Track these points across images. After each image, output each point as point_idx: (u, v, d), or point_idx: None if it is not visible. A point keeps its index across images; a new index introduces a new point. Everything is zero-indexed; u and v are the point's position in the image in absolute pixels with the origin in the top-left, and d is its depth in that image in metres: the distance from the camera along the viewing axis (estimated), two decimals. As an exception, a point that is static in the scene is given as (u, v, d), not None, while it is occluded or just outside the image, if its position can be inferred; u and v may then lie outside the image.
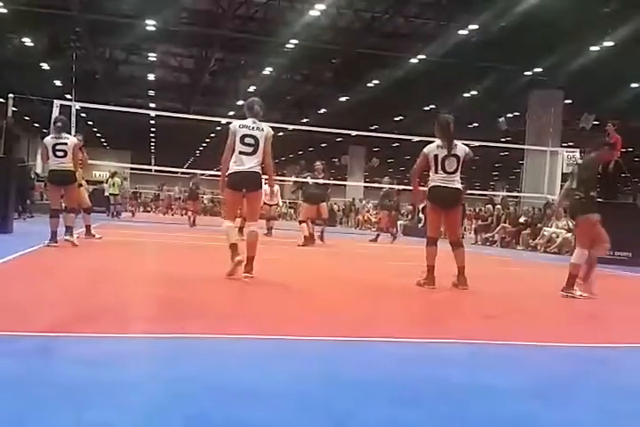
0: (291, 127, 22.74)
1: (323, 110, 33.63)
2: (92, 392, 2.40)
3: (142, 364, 2.98)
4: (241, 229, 12.53)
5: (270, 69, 27.74)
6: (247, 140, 6.16)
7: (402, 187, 19.01)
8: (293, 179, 16.18)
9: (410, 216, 25.18)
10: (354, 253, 12.22)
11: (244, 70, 29.35)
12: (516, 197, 25.86)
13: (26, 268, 6.37)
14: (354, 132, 20.28)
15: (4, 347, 3.05)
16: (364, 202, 33.79)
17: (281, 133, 37.12)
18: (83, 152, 10.00)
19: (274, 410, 2.34)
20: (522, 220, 18.20)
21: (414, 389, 2.78)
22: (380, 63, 25.08)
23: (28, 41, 24.84)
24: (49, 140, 8.87)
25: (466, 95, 27.76)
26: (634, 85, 24.53)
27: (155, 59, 28.16)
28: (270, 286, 6.15)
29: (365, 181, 41.84)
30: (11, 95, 11.59)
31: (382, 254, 12.65)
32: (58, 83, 30.53)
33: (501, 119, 24.96)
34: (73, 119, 13.14)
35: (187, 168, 35.17)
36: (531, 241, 16.90)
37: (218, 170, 6.42)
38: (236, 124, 6.29)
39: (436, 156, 6.41)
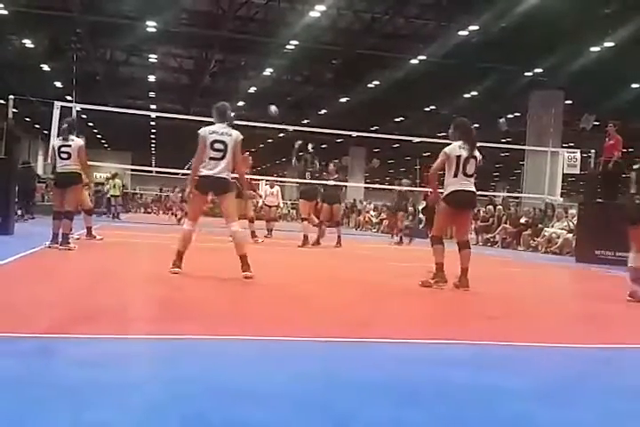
0: (291, 128, 22.72)
1: (323, 111, 33.64)
2: (91, 393, 2.40)
3: (141, 365, 2.98)
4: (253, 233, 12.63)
5: (270, 70, 27.74)
6: (216, 145, 6.29)
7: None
8: (295, 180, 16.21)
9: (411, 217, 25.15)
10: (354, 254, 12.21)
11: (245, 71, 29.37)
12: (517, 197, 25.85)
13: (26, 269, 6.37)
14: (354, 133, 20.26)
15: (5, 348, 3.04)
16: (364, 203, 33.78)
17: (281, 134, 37.27)
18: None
19: (273, 411, 2.33)
20: (522, 220, 18.18)
21: (416, 390, 2.77)
22: (381, 64, 25.08)
23: (28, 42, 24.85)
24: (56, 142, 8.91)
25: (466, 96, 27.75)
26: (634, 86, 24.53)
27: (155, 60, 28.17)
28: (270, 287, 6.14)
29: (366, 182, 41.88)
30: (11, 97, 11.59)
31: (383, 256, 12.64)
32: (58, 84, 30.55)
33: (502, 120, 24.87)
34: (73, 120, 13.12)
35: (187, 169, 35.16)
36: (532, 242, 16.88)
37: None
38: (205, 130, 6.40)
39: (458, 157, 6.41)
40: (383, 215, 27.45)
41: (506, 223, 18.73)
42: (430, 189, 6.81)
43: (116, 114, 21.16)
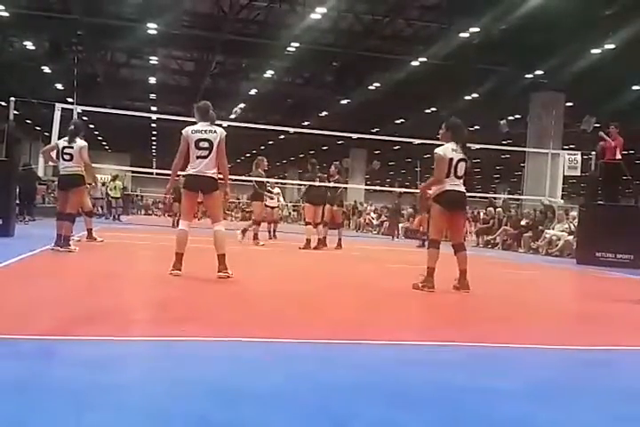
0: (292, 130, 22.71)
1: (324, 113, 33.65)
2: (92, 395, 2.40)
3: (142, 366, 2.98)
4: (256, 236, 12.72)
5: (271, 72, 27.77)
6: (202, 144, 6.34)
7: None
8: (297, 182, 16.23)
9: (411, 219, 25.16)
10: (354, 256, 12.21)
11: (245, 73, 29.38)
12: (518, 199, 25.84)
13: (27, 271, 6.37)
14: (355, 135, 20.25)
15: (6, 349, 3.04)
16: (365, 205, 33.78)
17: (282, 136, 37.31)
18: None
19: (272, 412, 2.33)
20: (523, 222, 18.19)
21: (413, 391, 2.77)
22: (381, 66, 25.10)
23: (29, 44, 24.88)
24: (60, 142, 8.91)
25: (467, 98, 27.76)
26: (635, 88, 24.53)
27: (156, 62, 28.18)
28: (269, 288, 6.14)
29: (366, 184, 41.88)
30: (12, 98, 11.60)
31: (383, 257, 12.64)
32: (59, 86, 30.57)
33: (502, 122, 24.88)
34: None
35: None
36: (532, 244, 16.89)
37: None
38: (188, 129, 6.43)
39: (451, 159, 6.37)
40: (384, 217, 27.49)
41: (506, 225, 18.74)
42: (429, 191, 6.69)
43: (117, 116, 21.16)
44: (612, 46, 19.58)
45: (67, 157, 8.68)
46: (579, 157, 15.20)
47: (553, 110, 23.53)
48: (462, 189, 6.47)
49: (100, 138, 46.20)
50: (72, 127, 9.01)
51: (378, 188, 42.46)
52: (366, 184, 43.53)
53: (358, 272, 8.91)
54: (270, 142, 42.42)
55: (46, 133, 26.10)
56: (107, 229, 14.77)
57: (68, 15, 20.83)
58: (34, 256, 7.65)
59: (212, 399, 2.45)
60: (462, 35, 20.64)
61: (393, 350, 3.62)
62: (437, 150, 6.45)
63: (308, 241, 12.27)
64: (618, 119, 14.42)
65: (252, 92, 30.72)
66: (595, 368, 3.54)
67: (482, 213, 21.99)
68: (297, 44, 22.67)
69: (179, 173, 6.93)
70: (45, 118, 20.58)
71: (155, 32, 22.13)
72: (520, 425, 2.42)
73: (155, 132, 44.01)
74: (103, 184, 26.04)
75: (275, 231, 16.12)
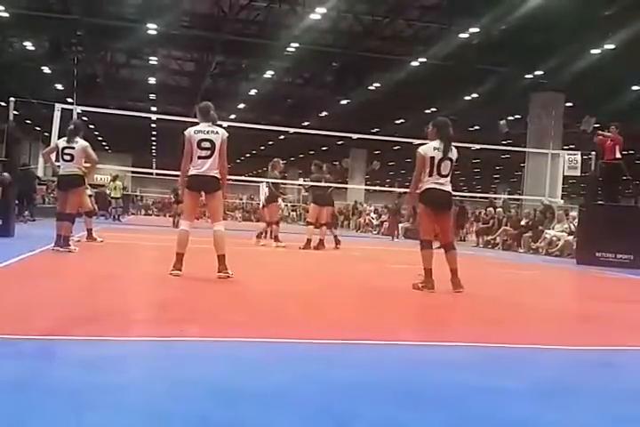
0: (292, 130, 22.70)
1: (324, 113, 33.67)
2: (92, 395, 2.39)
3: (142, 367, 2.98)
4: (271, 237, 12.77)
5: (271, 73, 27.78)
6: (204, 144, 6.36)
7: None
8: (298, 182, 16.25)
9: (411, 220, 25.16)
10: (354, 257, 12.21)
11: (245, 74, 29.39)
12: (518, 199, 25.85)
13: (27, 271, 6.37)
14: (355, 135, 20.27)
15: (6, 350, 3.04)
16: (365, 205, 33.78)
17: (282, 137, 37.31)
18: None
19: (274, 412, 2.33)
20: (523, 222, 18.19)
21: (417, 392, 2.76)
22: (381, 66, 25.10)
23: (29, 44, 24.90)
24: (60, 142, 8.90)
25: (467, 98, 27.77)
26: (635, 88, 24.54)
27: (156, 62, 28.20)
28: (270, 288, 6.14)
29: (366, 184, 41.88)
30: (12, 99, 11.60)
31: (383, 257, 12.64)
32: (59, 86, 30.59)
33: (502, 122, 24.92)
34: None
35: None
36: (532, 244, 16.89)
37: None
38: (190, 130, 6.46)
39: (432, 158, 6.30)
40: (384, 217, 27.48)
41: (506, 225, 18.74)
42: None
43: (117, 116, 21.16)
44: (612, 46, 19.59)
45: (67, 157, 8.67)
46: (578, 158, 15.20)
47: (553, 110, 23.54)
48: (448, 188, 6.39)
49: (99, 138, 46.18)
50: (71, 127, 9.02)
51: (378, 188, 42.43)
52: (366, 184, 43.53)
53: (359, 272, 8.90)
54: (270, 143, 42.43)
55: (46, 134, 26.09)
56: (107, 229, 14.76)
57: (67, 15, 20.83)
58: (34, 256, 7.65)
59: (212, 400, 2.44)
60: (462, 35, 20.65)
61: (395, 350, 3.62)
62: (419, 149, 6.40)
63: (309, 241, 12.27)
64: (617, 119, 14.42)
65: (252, 92, 30.73)
66: (597, 368, 3.54)
67: (482, 214, 21.96)
68: (297, 45, 22.68)
69: (176, 173, 6.93)
70: (45, 119, 20.59)
71: (154, 32, 22.14)
72: (523, 425, 2.41)
73: (154, 133, 44.01)
74: (96, 186, 25.99)
75: (267, 232, 16.24)
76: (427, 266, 6.32)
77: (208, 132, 6.41)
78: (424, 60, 22.99)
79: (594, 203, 13.26)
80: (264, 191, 16.74)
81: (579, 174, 15.46)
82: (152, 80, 30.93)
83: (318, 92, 31.06)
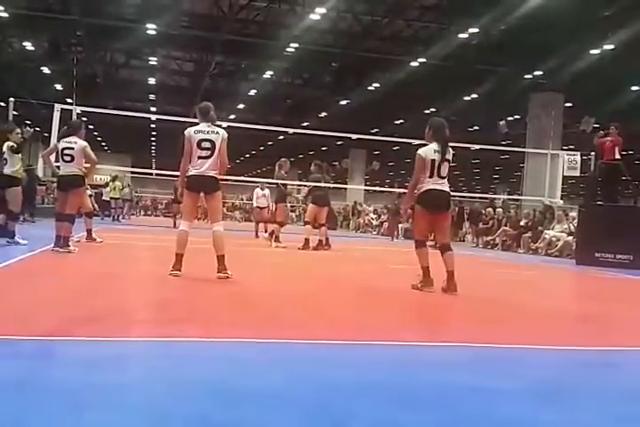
0: (291, 131, 22.73)
1: (323, 114, 33.68)
2: (92, 395, 2.40)
3: (141, 367, 2.98)
4: (272, 236, 12.75)
5: (271, 73, 27.79)
6: (204, 144, 6.36)
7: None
8: (297, 183, 16.30)
9: (410, 220, 25.16)
10: (354, 257, 12.21)
11: (245, 74, 29.40)
12: (517, 200, 25.86)
13: (27, 271, 6.37)
14: (354, 136, 20.28)
15: (6, 350, 3.04)
16: (364, 205, 33.79)
17: (281, 137, 37.31)
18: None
19: (272, 412, 2.33)
20: (523, 223, 18.19)
21: (413, 392, 2.77)
22: (381, 66, 25.12)
23: (28, 45, 24.91)
24: (60, 143, 8.90)
25: (466, 98, 27.79)
26: (634, 88, 24.55)
27: (155, 62, 28.21)
28: (269, 289, 6.15)
29: (366, 185, 41.88)
30: (11, 99, 11.62)
31: (383, 258, 12.64)
32: (58, 87, 30.59)
33: (502, 122, 24.95)
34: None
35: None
36: (532, 244, 16.89)
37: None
38: (190, 130, 6.46)
39: (433, 160, 6.29)
40: (383, 217, 27.49)
41: (506, 226, 18.75)
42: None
43: (116, 116, 21.17)
44: (611, 47, 19.61)
45: (67, 157, 8.67)
46: (578, 158, 15.23)
47: (552, 111, 23.56)
48: (446, 189, 6.39)
49: (99, 139, 46.19)
50: (69, 126, 9.09)
51: (377, 188, 42.41)
52: (366, 185, 43.54)
53: (358, 272, 8.90)
54: (270, 143, 42.43)
55: (46, 134, 26.12)
56: (106, 229, 14.76)
57: (67, 16, 20.85)
58: (33, 257, 7.65)
59: (211, 400, 2.45)
60: (461, 35, 20.68)
61: (393, 350, 3.62)
62: (419, 151, 6.37)
63: (307, 241, 12.26)
64: (617, 120, 14.43)
65: (252, 92, 30.74)
66: (595, 369, 3.54)
67: (482, 214, 21.95)
68: (296, 45, 22.70)
69: (174, 173, 6.94)
70: (45, 119, 20.61)
71: (154, 32, 22.16)
72: (521, 425, 2.42)
73: (154, 133, 44.02)
74: (95, 187, 25.98)
75: (257, 231, 16.35)
76: (424, 264, 6.33)
77: (208, 132, 6.41)
78: (423, 60, 23.00)
79: (593, 203, 13.27)
80: (262, 194, 16.88)
81: (578, 175, 15.49)
82: (151, 80, 30.94)
83: (318, 92, 31.08)
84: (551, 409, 2.59)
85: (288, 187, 14.36)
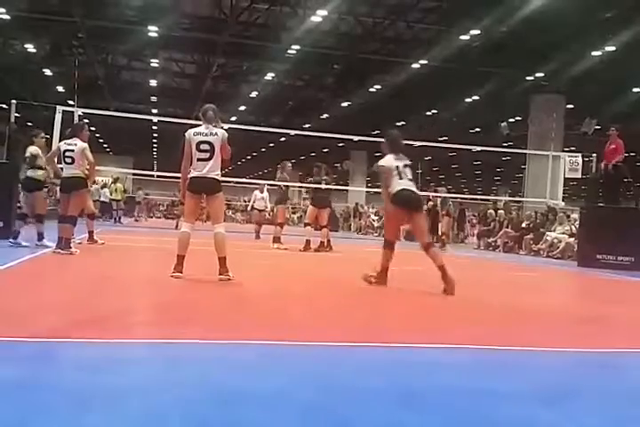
0: (292, 132, 22.74)
1: (324, 115, 33.68)
2: (93, 397, 2.40)
3: (142, 369, 2.98)
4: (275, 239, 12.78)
5: (272, 75, 27.80)
6: (203, 146, 6.38)
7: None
8: (298, 184, 16.34)
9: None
10: (355, 258, 12.20)
11: (246, 76, 29.42)
12: (519, 201, 25.84)
13: (28, 273, 6.38)
14: (355, 137, 20.28)
15: (6, 352, 3.04)
16: (366, 207, 33.76)
17: (283, 139, 37.32)
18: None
19: (275, 414, 2.33)
20: (524, 224, 18.18)
21: (415, 394, 2.76)
22: (382, 68, 25.13)
23: (30, 47, 24.93)
24: (62, 145, 8.93)
25: (467, 100, 27.79)
26: (635, 90, 24.54)
27: (157, 64, 28.22)
28: (270, 291, 6.15)
29: (367, 186, 41.83)
30: (13, 101, 11.61)
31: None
32: (60, 88, 30.60)
33: (503, 124, 24.94)
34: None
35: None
36: (533, 246, 16.87)
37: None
38: (190, 132, 6.50)
39: (397, 166, 6.76)
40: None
41: (507, 227, 18.73)
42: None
43: (118, 118, 21.18)
44: (613, 49, 19.60)
45: (68, 159, 8.70)
46: (579, 160, 15.21)
47: (553, 112, 23.55)
48: (416, 190, 6.82)
49: (100, 140, 46.22)
50: (69, 129, 9.15)
51: (379, 190, 42.40)
52: (367, 186, 43.51)
53: (359, 274, 8.88)
54: (271, 145, 42.42)
55: (47, 136, 26.18)
56: (108, 231, 14.77)
57: (68, 18, 20.85)
58: (35, 259, 7.65)
59: (212, 402, 2.45)
60: (463, 37, 20.67)
61: (397, 352, 3.62)
62: (380, 163, 6.95)
63: (308, 242, 12.26)
64: (618, 121, 14.43)
65: (253, 94, 30.75)
66: (596, 370, 3.54)
67: (484, 215, 21.92)
68: (298, 47, 22.70)
69: (172, 174, 6.96)
70: (46, 121, 20.63)
71: (155, 35, 22.18)
72: (522, 427, 2.42)
73: (156, 135, 44.04)
74: (105, 186, 26.04)
75: (258, 233, 16.35)
76: (384, 264, 6.74)
77: (207, 134, 6.42)
78: (425, 62, 23.00)
79: (595, 205, 13.26)
80: (261, 196, 16.96)
81: (579, 176, 15.46)
82: (153, 82, 30.96)
83: (319, 94, 31.10)
84: (552, 411, 2.59)
85: (290, 189, 14.40)
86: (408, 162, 6.88)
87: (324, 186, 12.78)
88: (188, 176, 6.48)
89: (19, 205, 10.63)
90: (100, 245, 10.47)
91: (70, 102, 23.18)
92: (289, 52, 23.50)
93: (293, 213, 39.54)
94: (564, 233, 15.85)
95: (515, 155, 29.97)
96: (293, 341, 3.70)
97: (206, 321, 4.22)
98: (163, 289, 5.71)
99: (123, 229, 19.72)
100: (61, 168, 9.07)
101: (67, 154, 8.70)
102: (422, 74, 24.09)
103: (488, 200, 25.29)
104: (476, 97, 27.27)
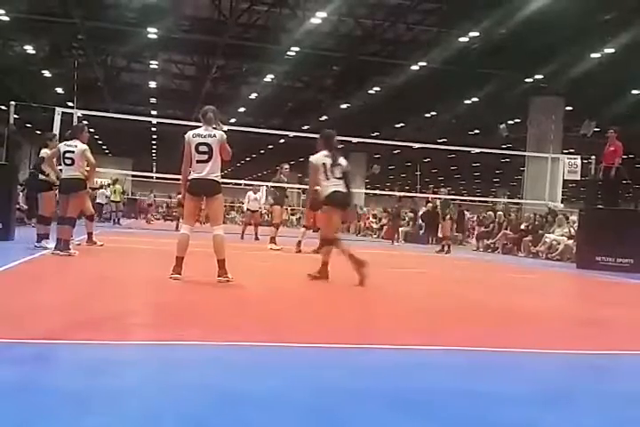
0: (292, 134, 22.73)
1: (324, 117, 33.68)
2: (91, 399, 2.40)
3: (140, 371, 2.98)
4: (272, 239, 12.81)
5: (272, 76, 27.79)
6: (201, 148, 6.40)
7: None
8: (297, 186, 16.37)
9: (411, 223, 25.18)
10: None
11: (246, 77, 29.43)
12: (518, 203, 25.86)
13: (26, 275, 6.37)
14: (355, 139, 20.27)
15: (4, 354, 3.04)
16: (365, 209, 33.78)
17: (282, 140, 37.31)
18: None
19: (271, 416, 2.33)
20: (523, 226, 18.19)
21: (411, 395, 2.77)
22: (381, 70, 25.14)
23: (29, 48, 24.91)
24: (62, 146, 8.93)
25: (467, 102, 27.79)
26: (634, 92, 24.55)
27: (156, 66, 28.22)
28: (268, 293, 6.15)
29: (366, 188, 41.85)
30: (12, 102, 11.62)
31: (382, 261, 12.62)
32: (59, 90, 30.59)
33: (502, 126, 24.97)
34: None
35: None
36: (532, 248, 16.88)
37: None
38: (189, 133, 6.53)
39: (324, 164, 7.08)
40: (384, 221, 27.47)
41: (506, 229, 18.74)
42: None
43: (118, 120, 21.19)
44: (612, 51, 19.60)
45: (68, 161, 8.70)
46: (578, 162, 15.23)
47: (552, 114, 23.57)
48: (343, 189, 7.13)
49: (100, 142, 46.22)
50: (69, 131, 9.16)
51: (378, 192, 42.42)
52: (366, 188, 43.54)
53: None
54: (270, 146, 42.42)
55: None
56: (106, 233, 14.76)
57: (68, 19, 20.85)
58: (33, 260, 7.65)
59: (209, 403, 2.45)
60: (462, 39, 20.68)
61: (394, 354, 3.62)
62: (311, 158, 7.25)
63: (299, 243, 12.29)
64: (617, 123, 14.43)
65: (253, 96, 30.75)
66: (595, 372, 3.54)
67: (481, 216, 21.95)
68: (297, 49, 22.70)
69: (177, 176, 6.97)
70: (46, 122, 20.64)
71: (155, 36, 22.17)
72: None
73: (155, 137, 44.03)
74: (101, 187, 26.02)
75: (257, 234, 16.43)
76: (325, 260, 7.21)
77: (205, 135, 6.42)
78: (424, 63, 23.00)
79: (594, 207, 13.27)
80: (254, 197, 17.03)
81: (579, 178, 15.48)
82: (152, 84, 30.94)
83: (318, 95, 31.08)
84: (551, 413, 2.59)
85: (289, 191, 14.46)
86: (342, 161, 7.18)
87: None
88: (188, 178, 6.49)
89: (18, 206, 10.64)
90: (99, 246, 10.48)
91: (70, 104, 23.19)
92: (288, 53, 23.50)
93: (292, 214, 39.55)
94: (563, 235, 15.85)
95: (514, 157, 30.01)
96: (290, 342, 3.70)
97: (205, 323, 4.22)
98: (161, 291, 5.71)
99: (122, 230, 19.71)
100: (61, 169, 9.07)
101: (66, 155, 8.70)
102: (422, 76, 24.10)
103: (487, 202, 25.32)
104: (475, 99, 27.27)
